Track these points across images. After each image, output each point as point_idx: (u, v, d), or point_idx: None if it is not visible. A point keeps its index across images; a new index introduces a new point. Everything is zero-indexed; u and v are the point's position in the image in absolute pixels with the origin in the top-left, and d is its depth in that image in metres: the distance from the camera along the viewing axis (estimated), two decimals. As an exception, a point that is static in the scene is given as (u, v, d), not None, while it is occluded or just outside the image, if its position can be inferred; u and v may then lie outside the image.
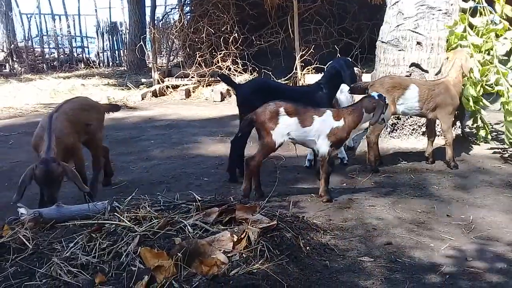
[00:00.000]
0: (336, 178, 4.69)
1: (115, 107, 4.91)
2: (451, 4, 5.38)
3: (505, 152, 5.32)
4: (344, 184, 4.50)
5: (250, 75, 10.59)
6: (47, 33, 17.53)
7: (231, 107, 9.07)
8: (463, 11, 5.36)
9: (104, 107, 4.77)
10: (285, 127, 3.87)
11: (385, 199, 4.07)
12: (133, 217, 3.03)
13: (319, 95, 4.57)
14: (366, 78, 7.09)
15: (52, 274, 2.51)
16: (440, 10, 5.33)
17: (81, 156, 4.10)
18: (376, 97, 3.97)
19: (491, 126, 5.83)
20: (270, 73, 10.33)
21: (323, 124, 3.92)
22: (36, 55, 16.91)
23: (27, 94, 10.69)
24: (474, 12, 5.38)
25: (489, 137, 5.54)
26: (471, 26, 5.27)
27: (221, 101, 9.82)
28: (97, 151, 4.43)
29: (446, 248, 3.16)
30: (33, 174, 3.49)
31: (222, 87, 10.25)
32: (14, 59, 16.19)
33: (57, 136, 3.70)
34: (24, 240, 2.84)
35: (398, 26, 5.43)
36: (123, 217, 3.00)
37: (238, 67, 10.66)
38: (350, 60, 4.98)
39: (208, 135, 6.65)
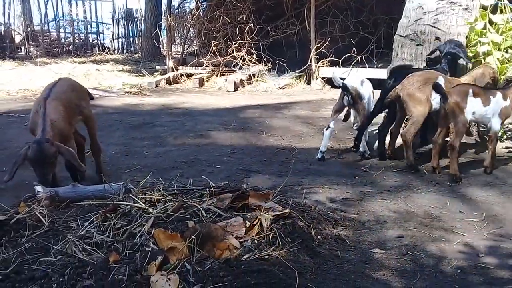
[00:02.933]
0: (349, 171, 4.69)
1: (90, 94, 4.83)
2: (472, 0, 5.32)
3: (520, 151, 5.28)
4: (357, 177, 4.50)
5: (264, 66, 10.56)
6: (63, 17, 17.61)
7: (244, 97, 9.08)
8: (484, 7, 5.29)
9: (85, 88, 4.69)
10: (472, 106, 4.34)
11: (397, 194, 4.06)
12: (147, 199, 3.08)
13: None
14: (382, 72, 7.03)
15: (67, 251, 2.55)
16: (460, 5, 5.27)
17: (73, 144, 3.94)
18: None
19: (505, 126, 5.77)
20: (285, 64, 10.29)
21: (497, 103, 4.41)
22: (52, 39, 17.00)
23: (42, 77, 10.77)
24: (494, 9, 5.31)
25: (504, 136, 5.49)
26: (491, 23, 5.21)
27: (234, 91, 9.81)
28: (94, 130, 4.39)
29: (458, 243, 3.16)
30: (25, 155, 3.43)
31: (236, 77, 10.24)
32: (30, 42, 16.31)
33: (51, 119, 3.65)
34: (40, 217, 2.89)
35: (417, 20, 5.38)
36: (138, 199, 3.03)
37: (253, 58, 10.63)
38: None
39: (221, 124, 6.65)
